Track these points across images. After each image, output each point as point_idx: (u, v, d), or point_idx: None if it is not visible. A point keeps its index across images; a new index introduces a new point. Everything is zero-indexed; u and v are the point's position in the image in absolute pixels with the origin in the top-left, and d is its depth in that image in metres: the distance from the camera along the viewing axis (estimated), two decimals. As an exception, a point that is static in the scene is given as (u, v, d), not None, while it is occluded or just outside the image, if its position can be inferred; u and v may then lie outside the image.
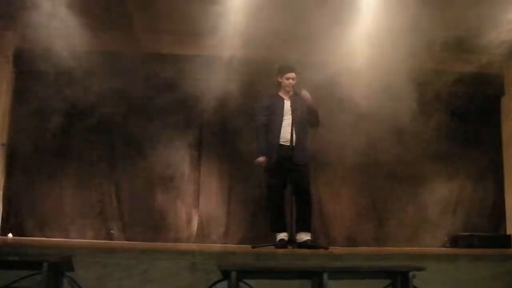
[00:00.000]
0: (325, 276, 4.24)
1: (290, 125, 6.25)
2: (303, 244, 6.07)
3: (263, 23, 7.35)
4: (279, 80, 6.58)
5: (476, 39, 7.42)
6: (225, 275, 4.22)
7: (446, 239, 8.64)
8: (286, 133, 6.26)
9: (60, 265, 4.31)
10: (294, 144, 6.20)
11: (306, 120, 6.48)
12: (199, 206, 8.73)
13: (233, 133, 8.55)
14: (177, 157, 8.78)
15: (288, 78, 6.48)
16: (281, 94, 6.60)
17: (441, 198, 8.96)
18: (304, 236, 6.19)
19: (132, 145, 8.58)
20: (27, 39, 8.37)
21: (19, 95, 8.55)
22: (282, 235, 6.22)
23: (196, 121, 8.84)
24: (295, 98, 6.42)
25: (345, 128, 7.97)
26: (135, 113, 8.57)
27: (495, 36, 7.59)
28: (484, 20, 7.26)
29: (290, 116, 6.30)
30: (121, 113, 8.54)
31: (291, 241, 6.02)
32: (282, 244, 6.06)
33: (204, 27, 7.40)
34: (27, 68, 8.51)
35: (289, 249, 5.87)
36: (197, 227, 8.64)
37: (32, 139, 8.42)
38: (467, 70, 8.42)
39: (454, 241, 8.35)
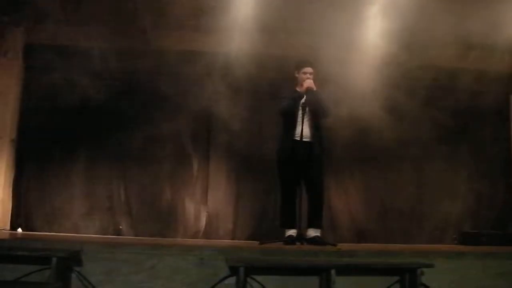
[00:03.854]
0: (333, 272, 4.23)
1: (305, 120, 6.16)
2: (312, 240, 6.05)
3: (274, 18, 7.36)
4: (296, 75, 6.49)
5: (485, 36, 7.39)
6: (233, 271, 4.22)
7: (454, 236, 8.61)
8: (301, 128, 6.17)
9: (68, 260, 4.32)
10: (308, 140, 6.16)
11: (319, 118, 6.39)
12: (208, 202, 8.76)
13: (242, 130, 8.55)
14: (186, 153, 8.81)
15: (305, 73, 6.38)
16: (298, 89, 6.49)
17: (450, 196, 8.94)
18: (313, 233, 6.17)
19: (140, 141, 8.59)
20: (37, 35, 8.42)
21: (28, 90, 8.58)
22: (291, 232, 6.19)
23: (204, 117, 8.84)
24: (310, 96, 6.32)
25: (353, 124, 7.97)
26: (144, 109, 8.59)
27: (504, 33, 7.56)
28: (494, 17, 7.22)
29: (306, 111, 6.21)
30: (130, 109, 8.57)
31: (299, 238, 6.00)
32: (290, 240, 6.04)
33: (213, 22, 7.41)
34: (36, 64, 8.54)
35: (297, 246, 5.86)
36: (206, 223, 8.68)
37: (41, 135, 8.46)
38: (475, 67, 8.39)
39: (463, 239, 8.31)
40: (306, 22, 7.45)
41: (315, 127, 6.27)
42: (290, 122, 6.25)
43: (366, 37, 7.87)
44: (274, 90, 7.32)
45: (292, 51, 7.84)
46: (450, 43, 7.85)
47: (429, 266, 4.49)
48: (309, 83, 6.22)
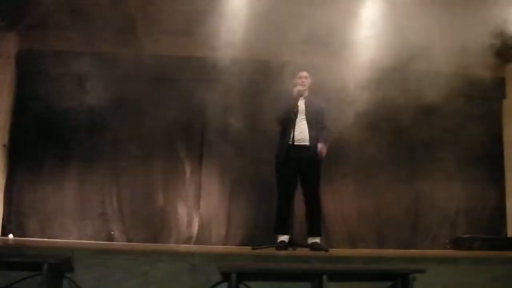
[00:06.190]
0: (324, 278, 4.21)
1: (298, 125, 6.21)
2: (310, 246, 6.07)
3: (265, 24, 7.37)
4: (293, 81, 6.56)
5: (478, 41, 7.41)
6: (225, 277, 4.21)
7: (447, 241, 8.63)
8: (299, 133, 6.22)
9: (60, 266, 4.30)
10: (307, 145, 6.21)
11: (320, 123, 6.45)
12: (200, 208, 8.74)
13: (234, 135, 8.55)
14: (178, 159, 8.80)
15: (300, 77, 6.47)
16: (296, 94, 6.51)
17: (442, 200, 8.96)
18: (316, 239, 6.21)
19: (133, 147, 8.57)
20: (30, 40, 8.42)
21: (21, 95, 8.57)
22: (283, 237, 6.20)
23: (197, 122, 8.85)
24: (309, 100, 6.41)
25: (346, 129, 7.97)
26: (137, 114, 8.57)
27: (496, 39, 7.59)
28: (487, 22, 7.25)
29: (304, 116, 6.28)
30: (122, 114, 8.56)
31: (292, 243, 6.01)
32: (282, 246, 6.05)
33: (206, 28, 7.42)
34: (29, 69, 8.55)
35: (289, 251, 5.86)
36: (198, 229, 8.65)
37: (34, 140, 8.44)
38: (469, 72, 8.42)
39: (455, 243, 8.33)
40: (297, 27, 7.46)
41: (315, 133, 6.31)
42: (284, 127, 6.29)
43: (358, 41, 7.90)
44: (267, 95, 7.33)
45: (285, 57, 7.86)
46: (443, 48, 7.86)
47: (421, 271, 4.48)
48: (296, 89, 6.31)
